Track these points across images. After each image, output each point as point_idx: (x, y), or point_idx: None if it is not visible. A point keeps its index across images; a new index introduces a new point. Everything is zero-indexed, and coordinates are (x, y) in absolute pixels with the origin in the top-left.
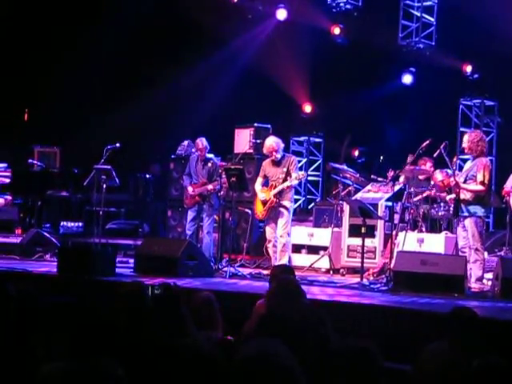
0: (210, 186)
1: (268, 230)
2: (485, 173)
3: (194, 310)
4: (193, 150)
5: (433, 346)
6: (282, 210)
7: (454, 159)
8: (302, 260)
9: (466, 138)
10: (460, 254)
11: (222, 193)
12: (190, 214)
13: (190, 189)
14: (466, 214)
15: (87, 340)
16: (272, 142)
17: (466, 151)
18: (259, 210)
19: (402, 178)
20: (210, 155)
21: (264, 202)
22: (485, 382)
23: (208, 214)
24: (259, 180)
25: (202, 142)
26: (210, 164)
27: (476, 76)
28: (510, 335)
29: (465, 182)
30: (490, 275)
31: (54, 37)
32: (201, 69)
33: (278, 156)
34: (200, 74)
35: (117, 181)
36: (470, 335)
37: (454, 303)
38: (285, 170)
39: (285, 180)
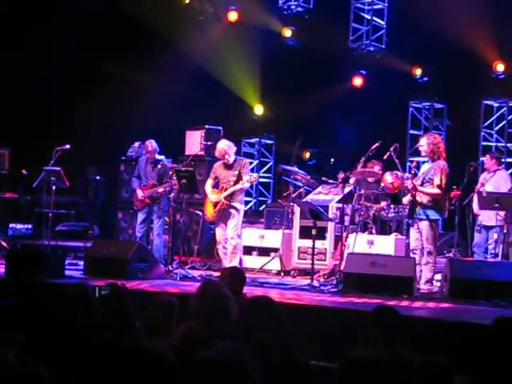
0: (160, 189)
1: (218, 231)
2: (442, 176)
3: (153, 313)
4: (143, 151)
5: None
6: (232, 211)
7: (414, 163)
8: (252, 262)
9: (424, 140)
10: (411, 255)
11: (172, 194)
12: (140, 216)
13: (139, 192)
14: (421, 216)
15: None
16: (224, 145)
17: (425, 154)
18: (209, 211)
19: (351, 180)
20: (161, 157)
21: (215, 204)
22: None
23: (158, 216)
24: (209, 182)
25: (151, 144)
26: (159, 166)
27: (425, 79)
28: (456, 335)
29: (421, 184)
30: (438, 276)
31: (2, 36)
32: (151, 70)
33: (230, 159)
34: (151, 76)
35: (66, 182)
36: (392, 333)
37: (401, 304)
38: (236, 172)
39: (236, 183)
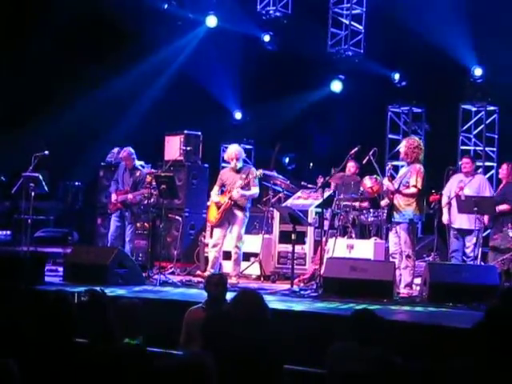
0: (129, 196)
1: (217, 231)
2: (418, 178)
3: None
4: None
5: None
6: (237, 213)
7: (389, 166)
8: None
9: (403, 143)
10: (390, 259)
11: (152, 200)
12: (113, 222)
13: (113, 196)
14: (398, 220)
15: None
16: (235, 149)
17: (401, 156)
18: (213, 215)
19: (332, 185)
20: (140, 162)
21: (218, 206)
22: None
23: (129, 222)
24: (215, 188)
25: (126, 151)
26: (137, 174)
27: (404, 83)
28: (435, 339)
29: (398, 188)
30: (418, 280)
31: None
32: (131, 75)
33: (239, 165)
34: (130, 81)
35: (45, 188)
36: (370, 334)
37: (384, 308)
38: (244, 176)
39: (243, 188)
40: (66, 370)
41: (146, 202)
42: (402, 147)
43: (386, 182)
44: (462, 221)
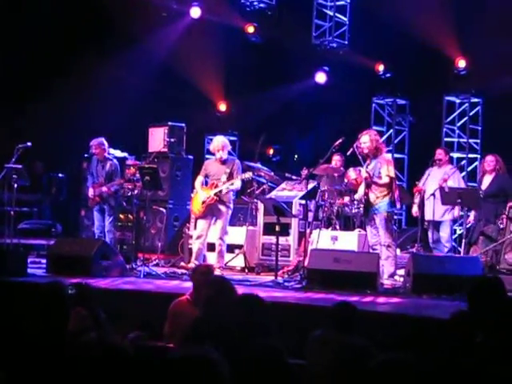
0: (104, 189)
1: (201, 223)
2: (389, 167)
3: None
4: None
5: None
6: (221, 207)
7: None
8: None
9: (367, 137)
10: (371, 251)
11: (136, 192)
12: (96, 216)
13: (90, 191)
14: (375, 211)
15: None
16: (221, 141)
17: (368, 150)
18: (196, 207)
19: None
20: (123, 154)
21: (203, 200)
22: (383, 379)
23: (109, 214)
24: (199, 178)
25: (97, 141)
26: (108, 165)
27: (388, 75)
28: (420, 330)
29: (372, 180)
30: (402, 271)
31: None
32: (114, 67)
33: (224, 156)
34: (113, 72)
35: (28, 180)
36: (350, 326)
37: (364, 300)
38: (228, 170)
39: (227, 180)
40: (60, 365)
41: (129, 193)
42: (368, 141)
43: (363, 173)
44: (431, 213)
